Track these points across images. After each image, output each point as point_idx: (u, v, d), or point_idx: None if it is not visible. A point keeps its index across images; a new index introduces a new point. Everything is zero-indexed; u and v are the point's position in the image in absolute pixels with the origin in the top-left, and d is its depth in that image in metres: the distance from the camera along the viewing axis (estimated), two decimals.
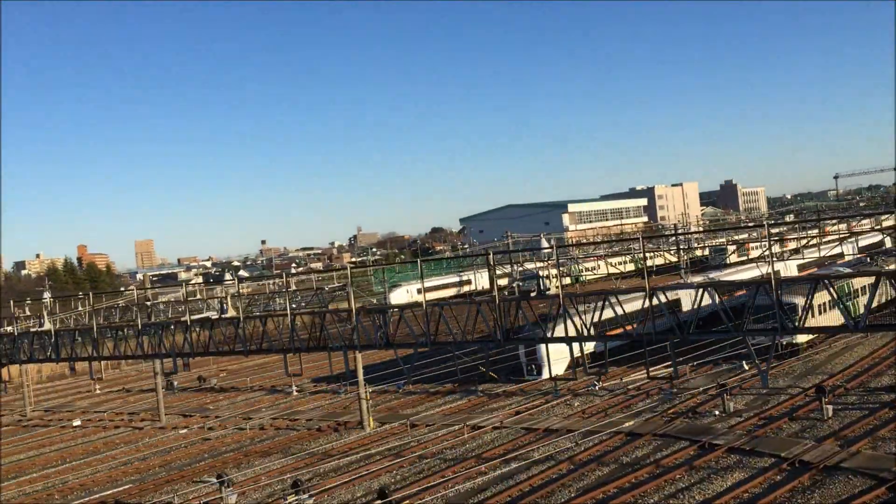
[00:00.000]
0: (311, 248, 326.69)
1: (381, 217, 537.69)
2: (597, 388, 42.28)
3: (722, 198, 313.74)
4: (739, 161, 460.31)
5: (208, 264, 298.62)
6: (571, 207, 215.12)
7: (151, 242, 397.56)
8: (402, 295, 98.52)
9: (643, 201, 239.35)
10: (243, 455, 36.94)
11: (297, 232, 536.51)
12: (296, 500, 26.86)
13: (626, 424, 33.69)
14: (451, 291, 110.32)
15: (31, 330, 35.54)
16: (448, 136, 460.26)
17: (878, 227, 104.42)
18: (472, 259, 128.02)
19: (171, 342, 38.51)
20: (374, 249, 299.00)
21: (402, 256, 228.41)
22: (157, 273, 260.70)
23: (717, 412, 33.91)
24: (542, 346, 45.05)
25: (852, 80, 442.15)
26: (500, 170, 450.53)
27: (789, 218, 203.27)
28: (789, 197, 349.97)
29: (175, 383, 60.27)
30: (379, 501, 26.56)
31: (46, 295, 66.14)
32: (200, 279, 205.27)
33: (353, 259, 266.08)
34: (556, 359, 46.23)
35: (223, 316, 36.61)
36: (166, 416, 47.50)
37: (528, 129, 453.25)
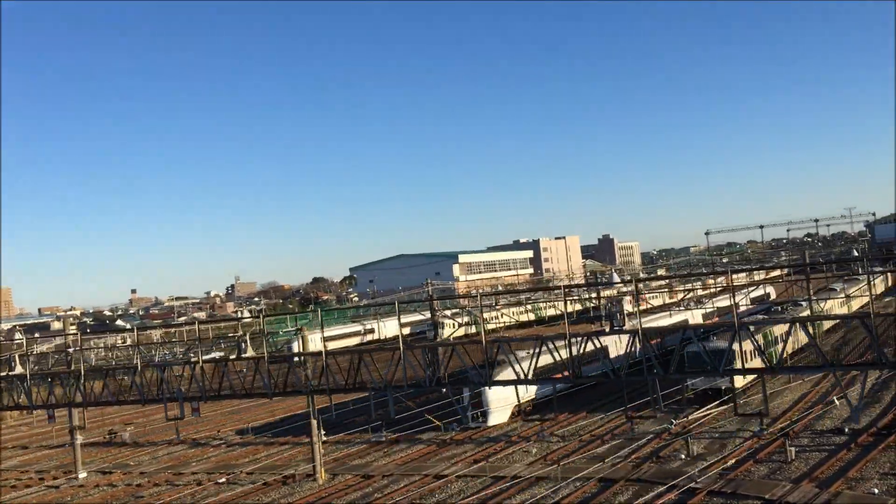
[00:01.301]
0: (185, 298, 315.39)
1: (258, 266, 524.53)
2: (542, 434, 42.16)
3: (600, 251, 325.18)
4: (616, 216, 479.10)
5: (78, 314, 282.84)
6: (462, 258, 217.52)
7: (9, 291, 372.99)
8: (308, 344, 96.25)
9: (529, 253, 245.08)
10: None
11: (168, 281, 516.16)
12: None
13: (593, 469, 33.63)
14: (356, 340, 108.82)
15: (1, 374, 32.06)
16: (329, 186, 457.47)
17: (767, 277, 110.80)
18: (376, 308, 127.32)
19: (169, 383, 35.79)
20: (257, 299, 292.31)
21: (291, 306, 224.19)
22: (22, 323, 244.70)
23: (682, 456, 34.34)
24: (488, 392, 45.04)
25: (723, 140, 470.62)
26: (383, 221, 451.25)
27: (661, 272, 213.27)
28: (655, 252, 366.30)
29: (80, 438, 56.14)
30: None
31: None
32: (73, 328, 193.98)
33: (236, 309, 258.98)
34: (501, 406, 46.19)
35: (242, 356, 33.99)
36: (82, 473, 43.97)
37: (414, 180, 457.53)
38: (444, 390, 50.48)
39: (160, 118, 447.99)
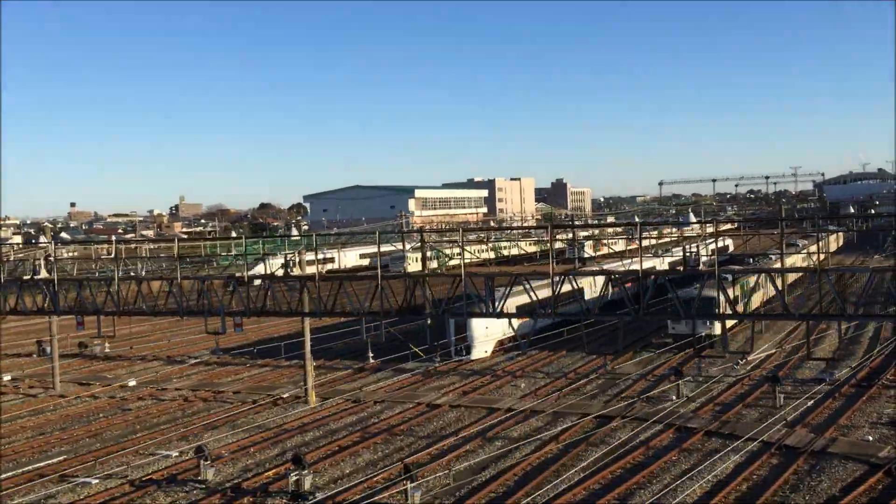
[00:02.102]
0: (126, 215, 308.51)
1: (203, 188, 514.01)
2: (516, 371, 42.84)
3: (552, 195, 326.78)
4: (570, 162, 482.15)
5: (17, 223, 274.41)
6: (418, 193, 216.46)
7: None
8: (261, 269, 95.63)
9: (484, 192, 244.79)
10: (183, 427, 34.27)
11: (108, 196, 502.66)
12: (297, 476, 25.19)
13: (587, 406, 34.33)
14: (312, 269, 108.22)
15: (24, 278, 30.58)
16: (282, 109, 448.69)
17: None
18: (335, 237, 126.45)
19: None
20: (203, 221, 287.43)
21: (242, 230, 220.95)
22: None
23: (673, 397, 35.21)
24: (473, 325, 45.36)
25: (683, 98, 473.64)
26: (336, 150, 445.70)
27: (611, 219, 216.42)
28: (602, 199, 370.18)
29: (48, 349, 55.13)
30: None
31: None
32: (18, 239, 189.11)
33: (185, 230, 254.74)
34: (484, 340, 46.60)
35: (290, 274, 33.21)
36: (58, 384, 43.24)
37: (372, 110, 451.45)
38: (429, 321, 51.08)
39: (105, 21, 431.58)
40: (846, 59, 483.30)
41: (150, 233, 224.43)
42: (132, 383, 43.50)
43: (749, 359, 42.41)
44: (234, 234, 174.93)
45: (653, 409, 33.55)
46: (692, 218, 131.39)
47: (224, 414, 36.35)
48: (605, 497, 23.70)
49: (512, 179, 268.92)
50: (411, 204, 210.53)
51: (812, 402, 33.48)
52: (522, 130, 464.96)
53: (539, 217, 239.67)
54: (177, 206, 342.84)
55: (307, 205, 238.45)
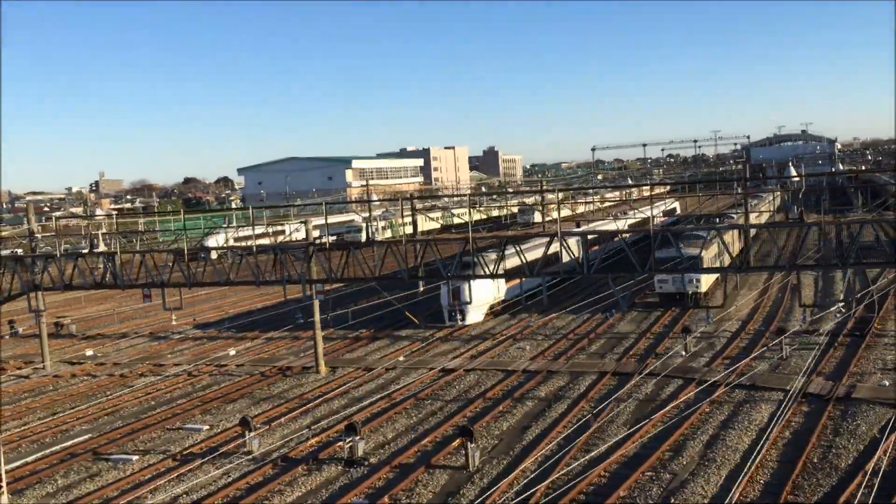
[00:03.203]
0: (44, 192, 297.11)
1: (121, 163, 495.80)
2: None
3: (484, 163, 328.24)
4: (501, 129, 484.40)
5: None
6: (355, 163, 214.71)
7: None
8: (219, 241, 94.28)
9: (420, 161, 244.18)
10: (200, 402, 33.74)
11: (18, 175, 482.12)
12: (350, 442, 25.21)
13: (600, 364, 35.13)
14: (267, 240, 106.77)
15: (84, 252, 28.94)
16: (205, 79, 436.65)
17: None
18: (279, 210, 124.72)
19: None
20: (130, 197, 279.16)
21: (172, 206, 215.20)
22: None
23: (682, 353, 36.29)
24: (468, 290, 45.70)
25: (612, 65, 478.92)
26: (262, 122, 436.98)
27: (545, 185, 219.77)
28: (528, 166, 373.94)
29: (20, 329, 53.42)
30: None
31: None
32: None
33: (114, 206, 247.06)
34: (479, 305, 47.04)
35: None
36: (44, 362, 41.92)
37: (298, 82, 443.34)
38: (421, 288, 51.14)
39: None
40: (768, 28, 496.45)
41: (78, 210, 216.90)
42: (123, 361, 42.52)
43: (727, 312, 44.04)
44: (169, 209, 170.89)
45: (666, 364, 34.52)
46: (791, 171, 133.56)
47: (236, 387, 35.91)
48: (658, 449, 24.41)
49: (446, 148, 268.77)
50: (348, 175, 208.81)
51: (816, 352, 34.96)
52: (453, 98, 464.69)
53: (474, 185, 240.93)
54: (97, 183, 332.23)
55: (241, 178, 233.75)
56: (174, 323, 52.21)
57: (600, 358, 36.97)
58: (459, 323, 46.41)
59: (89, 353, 45.06)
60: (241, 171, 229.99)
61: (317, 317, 37.39)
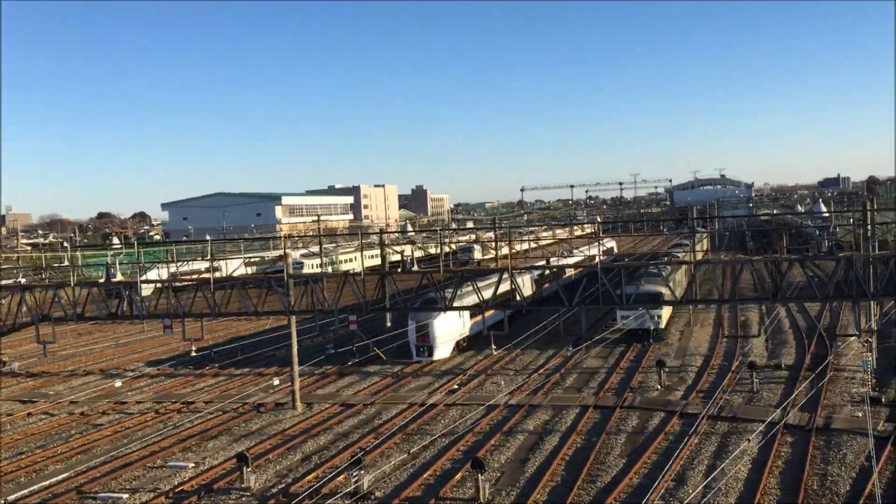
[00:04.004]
0: None
1: (26, 197, 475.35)
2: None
3: (413, 201, 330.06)
4: (428, 169, 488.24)
5: None
6: (285, 200, 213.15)
7: None
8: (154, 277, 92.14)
9: (350, 199, 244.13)
10: (176, 440, 32.69)
11: None
12: (357, 477, 24.85)
13: (580, 399, 35.56)
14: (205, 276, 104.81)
15: (101, 281, 27.29)
16: (117, 116, 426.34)
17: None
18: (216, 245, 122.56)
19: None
20: (42, 232, 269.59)
21: (86, 240, 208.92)
22: None
23: (658, 387, 37.07)
24: (436, 325, 45.86)
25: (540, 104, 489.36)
26: (184, 157, 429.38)
27: (470, 224, 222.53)
28: (453, 206, 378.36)
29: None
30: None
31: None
32: None
33: (28, 242, 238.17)
34: (446, 340, 47.14)
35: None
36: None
37: (224, 118, 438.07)
38: (389, 324, 50.95)
39: None
40: (681, 78, 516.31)
41: None
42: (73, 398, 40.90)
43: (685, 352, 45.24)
44: (81, 244, 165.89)
45: (645, 398, 35.21)
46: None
47: (210, 424, 34.96)
48: (662, 479, 24.83)
49: (376, 186, 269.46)
50: (278, 211, 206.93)
51: (782, 385, 36.24)
52: (380, 136, 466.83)
53: (402, 223, 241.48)
54: (3, 217, 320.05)
55: (165, 212, 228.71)
56: (194, 351, 50.53)
57: (577, 392, 37.44)
58: (427, 358, 46.31)
59: (50, 391, 43.11)
60: (164, 206, 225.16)
61: (294, 352, 36.84)
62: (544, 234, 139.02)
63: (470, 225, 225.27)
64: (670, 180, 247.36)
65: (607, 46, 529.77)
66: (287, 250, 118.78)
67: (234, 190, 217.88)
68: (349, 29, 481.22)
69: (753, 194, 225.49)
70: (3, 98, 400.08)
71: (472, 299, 43.23)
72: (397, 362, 46.35)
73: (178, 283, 30.33)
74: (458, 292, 41.74)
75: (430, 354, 46.42)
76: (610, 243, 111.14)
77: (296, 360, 36.86)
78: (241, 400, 39.03)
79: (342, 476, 26.67)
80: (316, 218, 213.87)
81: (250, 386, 42.55)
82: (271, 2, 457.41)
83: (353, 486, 24.73)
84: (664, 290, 45.04)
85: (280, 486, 26.14)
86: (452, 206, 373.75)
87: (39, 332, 20.80)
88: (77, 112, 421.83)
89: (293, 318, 36.29)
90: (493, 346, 45.17)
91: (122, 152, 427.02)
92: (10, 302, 32.23)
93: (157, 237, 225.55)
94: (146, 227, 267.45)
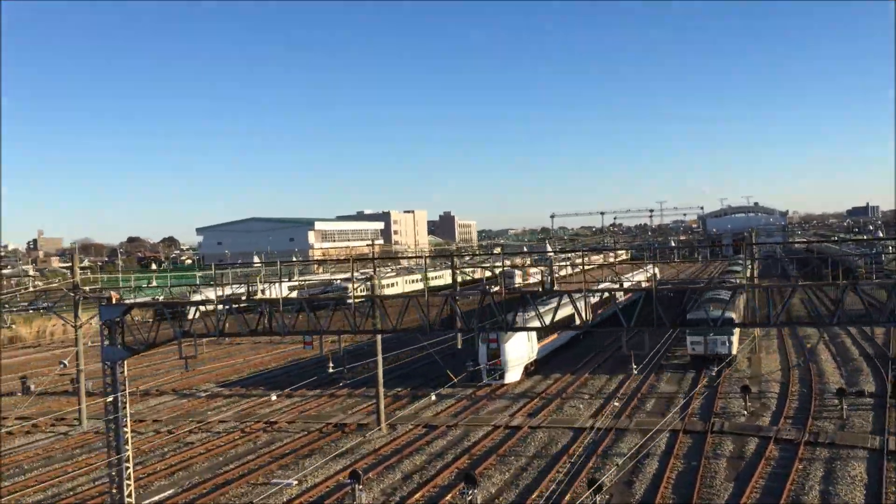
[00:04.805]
0: None
1: (56, 221, 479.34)
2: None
3: (440, 227, 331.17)
4: (455, 195, 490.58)
5: None
6: (318, 225, 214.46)
7: None
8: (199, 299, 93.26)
9: (380, 224, 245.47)
10: (271, 458, 32.94)
11: None
12: (471, 496, 24.97)
13: (666, 422, 35.46)
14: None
15: (243, 298, 27.63)
16: (149, 144, 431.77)
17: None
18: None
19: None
20: (80, 256, 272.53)
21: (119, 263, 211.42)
22: None
23: (743, 412, 36.91)
24: (508, 348, 45.93)
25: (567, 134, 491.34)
26: (217, 183, 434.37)
27: (497, 250, 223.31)
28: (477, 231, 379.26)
29: (32, 385, 51.62)
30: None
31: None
32: None
33: (64, 265, 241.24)
34: (517, 363, 47.19)
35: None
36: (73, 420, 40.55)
37: (257, 143, 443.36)
38: (460, 346, 51.04)
39: None
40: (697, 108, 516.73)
41: (29, 268, 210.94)
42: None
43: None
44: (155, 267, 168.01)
45: (733, 423, 35.05)
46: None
47: (300, 443, 35.20)
48: None
49: (406, 212, 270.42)
50: (311, 236, 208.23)
51: (872, 412, 35.94)
52: (409, 163, 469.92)
53: (432, 249, 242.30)
54: (35, 241, 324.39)
55: (200, 237, 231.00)
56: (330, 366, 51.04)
57: (660, 416, 37.31)
58: (498, 381, 46.34)
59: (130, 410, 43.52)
60: (200, 230, 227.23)
61: (380, 373, 37.07)
62: (578, 260, 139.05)
63: (497, 251, 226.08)
64: (702, 207, 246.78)
65: (631, 76, 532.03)
66: (329, 275, 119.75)
67: (263, 214, 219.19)
68: (381, 55, 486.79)
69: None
70: (32, 123, 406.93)
71: (535, 323, 43.10)
72: (468, 385, 46.42)
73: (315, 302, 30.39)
74: (526, 315, 41.75)
75: (502, 377, 46.44)
76: (654, 269, 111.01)
77: (381, 381, 37.07)
78: (323, 420, 39.27)
79: (450, 495, 26.80)
80: (347, 244, 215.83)
81: (326, 406, 42.82)
82: (303, 30, 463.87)
83: None
84: (733, 314, 44.89)
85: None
86: (478, 231, 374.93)
87: (181, 350, 21.24)
88: (105, 137, 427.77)
89: (379, 337, 36.56)
90: (634, 366, 44.36)
91: (149, 177, 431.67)
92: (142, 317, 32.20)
93: (189, 262, 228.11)
94: (177, 252, 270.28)
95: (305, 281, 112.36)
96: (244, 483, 29.49)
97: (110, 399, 21.45)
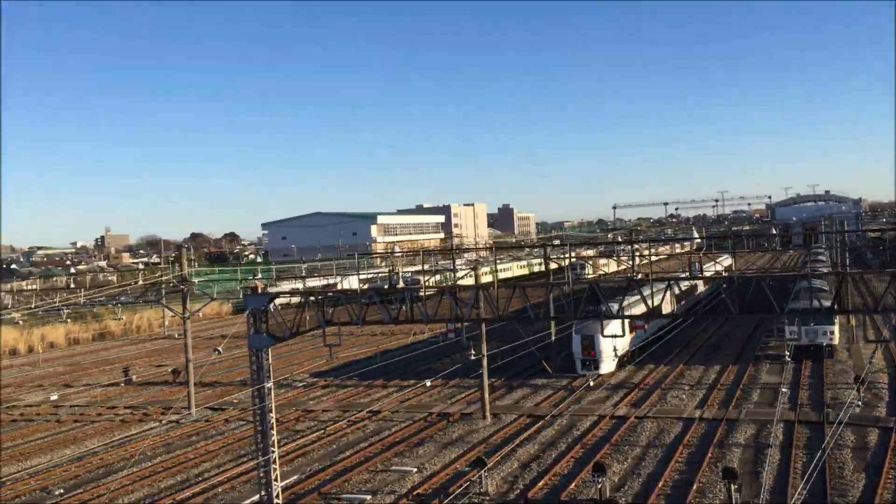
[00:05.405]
0: (46, 248, 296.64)
1: (119, 218, 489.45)
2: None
3: (499, 220, 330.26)
4: (515, 188, 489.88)
5: None
6: (381, 219, 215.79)
7: None
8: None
9: (441, 218, 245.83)
10: (382, 447, 33.39)
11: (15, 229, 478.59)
12: (600, 484, 24.98)
13: (779, 413, 34.94)
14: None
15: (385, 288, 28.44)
16: (214, 138, 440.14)
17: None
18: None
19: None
20: (143, 252, 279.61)
21: (194, 259, 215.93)
22: None
23: (857, 403, 36.14)
24: (602, 339, 45.63)
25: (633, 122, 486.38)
26: (270, 179, 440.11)
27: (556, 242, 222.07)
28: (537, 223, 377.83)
29: (134, 377, 53.20)
30: None
31: None
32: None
33: (134, 260, 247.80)
34: (611, 354, 46.92)
35: None
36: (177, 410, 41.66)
37: (316, 139, 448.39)
38: (553, 337, 51.03)
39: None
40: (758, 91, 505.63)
41: (103, 263, 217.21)
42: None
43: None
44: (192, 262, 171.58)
45: (849, 414, 34.32)
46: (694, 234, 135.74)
47: (409, 432, 35.60)
48: None
49: (466, 205, 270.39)
50: (373, 230, 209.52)
51: None
52: (467, 155, 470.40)
53: (492, 241, 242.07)
54: (102, 238, 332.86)
55: (265, 232, 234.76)
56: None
57: (768, 407, 36.76)
58: (592, 372, 46.13)
59: (233, 399, 44.62)
60: (265, 225, 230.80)
61: (485, 364, 37.25)
62: (646, 251, 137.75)
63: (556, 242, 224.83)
64: (769, 197, 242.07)
65: (693, 65, 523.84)
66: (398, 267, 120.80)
67: (326, 209, 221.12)
68: (441, 49, 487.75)
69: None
70: (93, 120, 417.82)
71: (636, 309, 42.78)
72: (563, 376, 46.34)
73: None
74: (616, 307, 41.37)
75: (597, 368, 46.22)
76: (728, 260, 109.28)
77: (486, 372, 37.26)
78: (424, 409, 39.65)
79: (573, 483, 26.86)
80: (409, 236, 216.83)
81: (424, 397, 43.20)
82: (364, 24, 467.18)
83: (594, 492, 24.83)
84: (836, 303, 43.90)
85: (516, 492, 26.44)
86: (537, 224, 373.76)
87: (325, 338, 21.67)
88: (168, 134, 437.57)
89: (483, 328, 36.77)
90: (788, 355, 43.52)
91: (211, 172, 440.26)
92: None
93: (251, 256, 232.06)
94: (239, 247, 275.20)
95: (378, 274, 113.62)
96: (364, 470, 29.95)
97: (257, 388, 21.97)
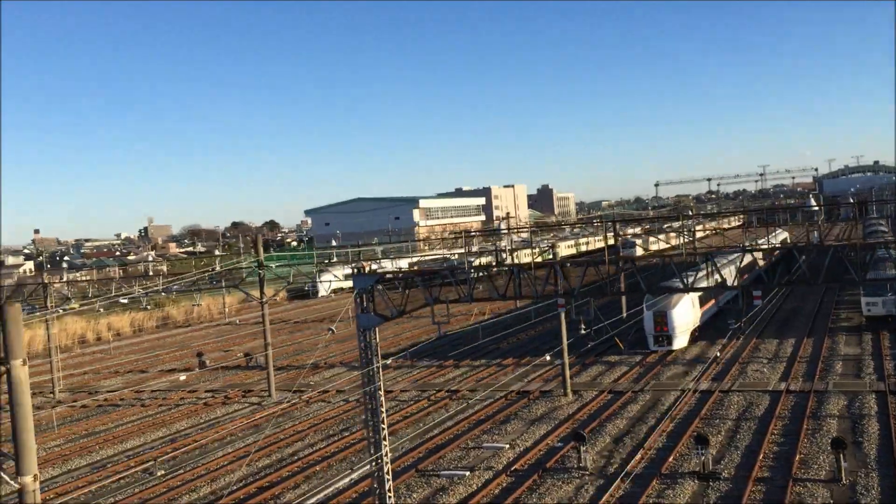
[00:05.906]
0: (92, 240, 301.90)
1: (159, 208, 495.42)
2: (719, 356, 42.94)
3: (539, 201, 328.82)
4: (554, 168, 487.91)
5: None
6: (422, 203, 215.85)
7: None
8: (331, 278, 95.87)
9: (481, 200, 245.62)
10: (469, 424, 33.64)
11: (62, 223, 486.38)
12: (703, 456, 24.93)
13: (870, 384, 34.55)
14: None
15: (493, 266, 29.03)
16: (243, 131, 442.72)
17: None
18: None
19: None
20: (187, 241, 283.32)
21: (241, 246, 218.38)
22: None
23: None
24: (675, 314, 45.41)
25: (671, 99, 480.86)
26: (294, 166, 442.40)
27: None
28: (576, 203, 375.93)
29: (207, 360, 54.09)
30: None
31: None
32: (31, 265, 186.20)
33: (180, 250, 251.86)
34: (684, 330, 46.63)
35: None
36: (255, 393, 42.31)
37: (353, 126, 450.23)
38: (625, 314, 50.84)
39: (56, 48, 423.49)
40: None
41: (152, 254, 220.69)
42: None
43: None
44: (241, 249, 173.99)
45: None
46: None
47: (492, 410, 35.80)
48: None
49: (506, 187, 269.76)
50: (415, 214, 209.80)
51: None
52: (506, 137, 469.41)
53: (531, 223, 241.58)
54: (146, 229, 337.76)
55: (308, 218, 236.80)
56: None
57: (854, 378, 36.34)
58: (665, 348, 45.92)
59: (312, 381, 45.15)
60: (308, 212, 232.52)
61: (564, 341, 37.26)
62: (698, 227, 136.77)
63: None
64: (816, 169, 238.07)
65: (732, 44, 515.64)
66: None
67: (367, 194, 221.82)
68: (476, 30, 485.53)
69: None
70: (133, 113, 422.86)
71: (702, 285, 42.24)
72: (636, 352, 46.21)
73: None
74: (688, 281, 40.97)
75: (670, 343, 45.99)
76: (783, 234, 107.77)
77: (566, 348, 37.28)
78: (503, 388, 39.80)
79: (671, 457, 26.84)
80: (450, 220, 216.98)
81: (500, 375, 43.35)
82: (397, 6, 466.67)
83: (697, 465, 24.78)
84: None
85: (614, 466, 26.49)
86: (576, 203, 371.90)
87: (434, 316, 21.96)
88: (208, 124, 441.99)
89: (563, 306, 36.78)
90: None
91: (252, 161, 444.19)
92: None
93: (293, 243, 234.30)
94: (280, 235, 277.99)
95: (423, 256, 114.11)
96: (456, 447, 30.20)
97: (366, 368, 22.21)
